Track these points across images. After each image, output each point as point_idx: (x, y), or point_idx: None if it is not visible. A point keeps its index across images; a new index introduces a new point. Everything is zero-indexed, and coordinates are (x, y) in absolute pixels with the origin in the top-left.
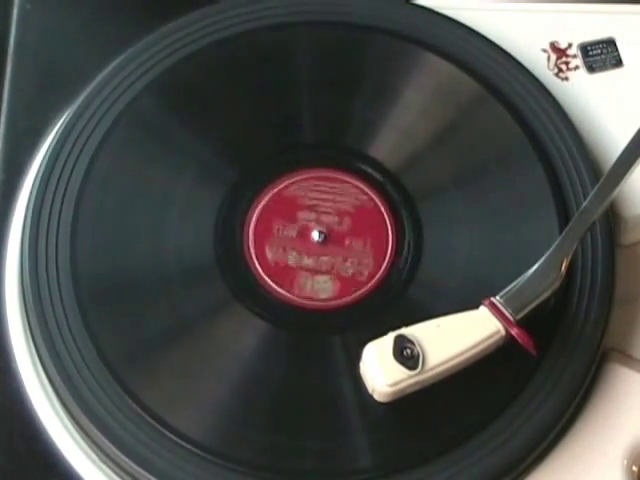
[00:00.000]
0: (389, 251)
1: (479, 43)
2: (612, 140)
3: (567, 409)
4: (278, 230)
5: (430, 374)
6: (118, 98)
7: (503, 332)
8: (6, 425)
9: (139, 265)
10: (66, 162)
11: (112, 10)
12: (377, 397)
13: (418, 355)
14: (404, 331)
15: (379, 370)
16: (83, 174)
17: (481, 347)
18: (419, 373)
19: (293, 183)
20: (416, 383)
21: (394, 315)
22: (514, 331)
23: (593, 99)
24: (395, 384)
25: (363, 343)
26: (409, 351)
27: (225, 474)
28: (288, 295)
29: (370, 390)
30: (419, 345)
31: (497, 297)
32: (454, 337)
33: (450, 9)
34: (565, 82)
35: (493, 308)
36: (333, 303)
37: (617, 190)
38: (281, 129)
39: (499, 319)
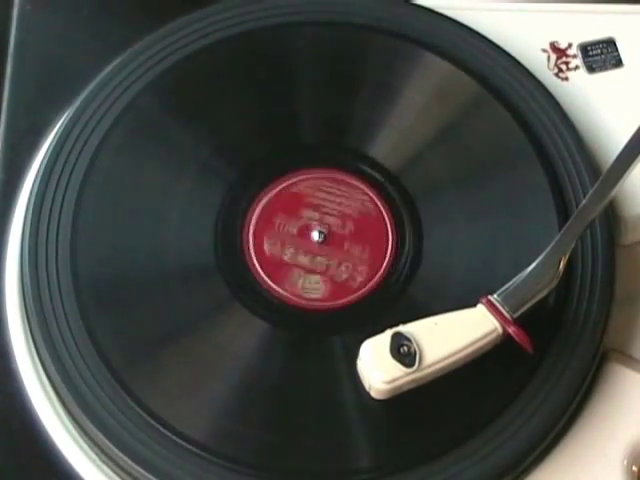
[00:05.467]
0: (389, 251)
1: (479, 43)
2: (612, 140)
3: (567, 409)
4: (279, 225)
5: (427, 372)
6: (118, 98)
7: (500, 330)
8: (6, 425)
9: (139, 265)
10: (66, 162)
11: (112, 10)
12: (374, 394)
13: (415, 352)
14: (401, 328)
15: (376, 367)
16: (83, 174)
17: (478, 345)
18: (416, 370)
19: (296, 182)
20: (413, 380)
21: (394, 315)
22: (511, 329)
23: (593, 99)
24: (392, 381)
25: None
26: (406, 348)
27: (225, 474)
28: (288, 295)
29: (367, 387)
30: (416, 342)
31: (495, 295)
32: (451, 335)
33: (450, 9)
34: (565, 82)
35: (490, 306)
36: (333, 303)
37: (616, 189)
38: (281, 129)
39: (496, 317)
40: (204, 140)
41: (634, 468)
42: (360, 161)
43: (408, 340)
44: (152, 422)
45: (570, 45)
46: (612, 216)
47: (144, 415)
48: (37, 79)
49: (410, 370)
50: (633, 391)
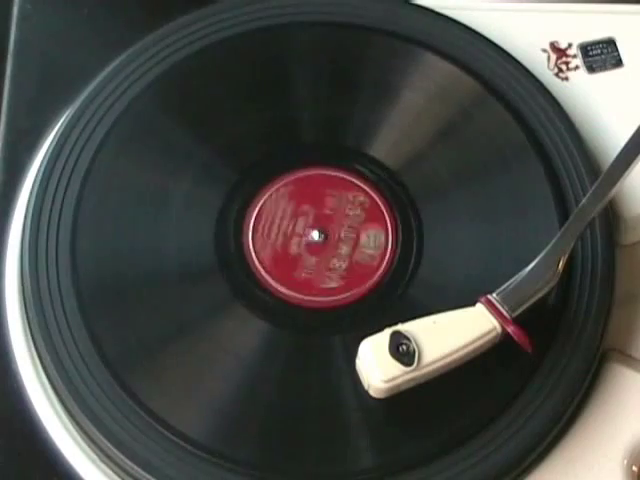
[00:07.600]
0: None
1: (479, 43)
2: (612, 140)
3: (567, 409)
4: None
5: (426, 370)
6: (118, 98)
7: (499, 329)
8: (6, 425)
9: (139, 265)
10: (66, 162)
11: (112, 10)
12: (372, 393)
13: (414, 351)
14: (400, 327)
15: (375, 366)
16: (83, 174)
17: (477, 344)
18: (414, 369)
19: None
20: (411, 379)
21: (394, 315)
22: (510, 329)
23: (593, 99)
24: (390, 380)
25: None
26: (405, 347)
27: (224, 474)
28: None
29: (366, 386)
30: (415, 341)
31: (494, 294)
32: (450, 334)
33: (450, 9)
34: (565, 82)
35: (489, 305)
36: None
37: (615, 189)
38: (281, 129)
39: (495, 316)
40: (204, 140)
41: (634, 468)
42: (360, 161)
43: (407, 339)
44: (152, 422)
45: (570, 45)
46: (612, 216)
47: (144, 415)
48: (37, 79)
49: (409, 369)
50: (633, 391)
